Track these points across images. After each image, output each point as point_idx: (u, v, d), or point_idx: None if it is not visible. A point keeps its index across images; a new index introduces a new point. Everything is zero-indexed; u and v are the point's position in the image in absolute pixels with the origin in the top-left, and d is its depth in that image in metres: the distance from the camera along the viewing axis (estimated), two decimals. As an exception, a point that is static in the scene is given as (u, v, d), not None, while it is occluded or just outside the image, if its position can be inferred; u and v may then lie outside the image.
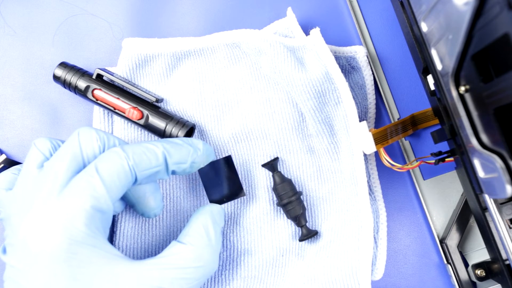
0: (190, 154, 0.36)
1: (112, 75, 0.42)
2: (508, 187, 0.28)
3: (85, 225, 0.31)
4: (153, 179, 0.35)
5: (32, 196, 0.32)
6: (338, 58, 0.43)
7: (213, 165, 0.39)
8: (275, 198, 0.43)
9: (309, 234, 0.41)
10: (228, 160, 0.40)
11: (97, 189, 0.32)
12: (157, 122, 0.41)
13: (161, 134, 0.41)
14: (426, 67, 0.37)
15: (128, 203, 0.38)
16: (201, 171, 0.39)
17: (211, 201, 0.40)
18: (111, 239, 0.41)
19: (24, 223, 0.31)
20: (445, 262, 0.43)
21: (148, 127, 0.41)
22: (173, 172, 0.36)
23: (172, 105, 0.43)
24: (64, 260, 0.30)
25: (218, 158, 0.43)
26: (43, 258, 0.30)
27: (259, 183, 0.43)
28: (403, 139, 0.45)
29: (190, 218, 0.37)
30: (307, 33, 0.43)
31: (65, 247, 0.30)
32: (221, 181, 0.40)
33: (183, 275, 0.33)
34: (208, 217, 0.37)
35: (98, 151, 0.34)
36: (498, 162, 0.29)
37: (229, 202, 0.42)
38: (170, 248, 0.35)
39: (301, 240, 0.41)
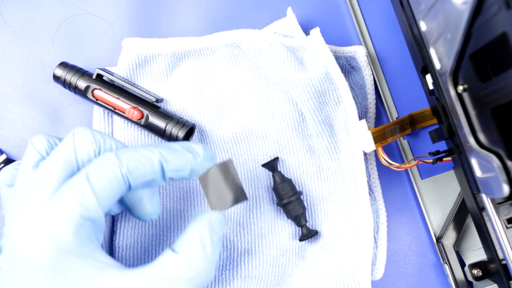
0: (189, 161, 0.34)
1: (112, 75, 0.42)
2: (505, 186, 0.28)
3: (73, 234, 0.30)
4: (149, 186, 0.34)
5: (25, 198, 0.32)
6: (338, 58, 0.43)
7: (213, 171, 0.37)
8: (275, 198, 0.43)
9: (309, 234, 0.41)
10: (229, 164, 0.37)
11: (87, 198, 0.30)
12: (157, 122, 0.41)
13: (161, 134, 0.41)
14: (424, 66, 0.37)
15: (125, 206, 0.37)
16: (201, 178, 0.37)
17: (213, 210, 0.37)
18: (111, 238, 0.41)
19: (14, 226, 0.31)
20: (442, 261, 0.43)
21: (148, 127, 0.41)
22: (172, 179, 0.34)
23: (172, 105, 0.43)
24: (51, 268, 0.30)
25: (218, 159, 0.43)
26: (30, 264, 0.30)
27: (259, 183, 0.43)
28: (401, 138, 0.45)
29: (187, 226, 0.35)
30: (307, 33, 0.43)
31: (52, 255, 0.30)
32: (223, 186, 0.37)
33: (174, 286, 0.31)
34: (205, 225, 0.34)
35: (93, 154, 0.33)
36: (495, 161, 0.29)
37: None
38: (162, 256, 0.33)
39: (301, 240, 0.41)
